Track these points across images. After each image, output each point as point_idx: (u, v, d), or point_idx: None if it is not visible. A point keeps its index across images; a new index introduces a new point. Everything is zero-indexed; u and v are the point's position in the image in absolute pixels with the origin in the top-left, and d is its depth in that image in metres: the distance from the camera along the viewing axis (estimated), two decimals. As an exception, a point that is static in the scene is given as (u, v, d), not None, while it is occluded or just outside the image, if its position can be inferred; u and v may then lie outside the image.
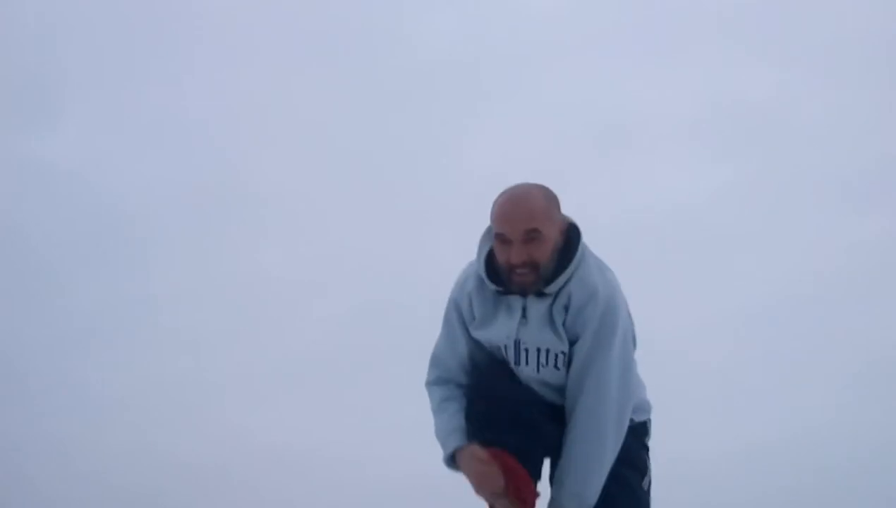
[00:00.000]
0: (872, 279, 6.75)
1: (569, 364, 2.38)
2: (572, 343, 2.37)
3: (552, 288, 2.36)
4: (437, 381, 2.53)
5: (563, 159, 6.84)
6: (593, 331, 2.35)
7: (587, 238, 2.41)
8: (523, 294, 2.38)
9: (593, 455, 2.33)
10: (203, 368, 6.70)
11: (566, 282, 2.37)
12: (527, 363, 2.41)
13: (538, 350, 2.39)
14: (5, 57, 7.20)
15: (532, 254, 2.31)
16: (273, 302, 7.01)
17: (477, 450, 2.35)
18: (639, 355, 2.47)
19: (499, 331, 2.42)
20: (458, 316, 2.50)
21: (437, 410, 2.48)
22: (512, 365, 2.43)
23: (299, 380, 6.63)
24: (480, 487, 2.35)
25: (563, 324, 2.37)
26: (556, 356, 2.39)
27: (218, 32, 7.43)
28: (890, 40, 6.87)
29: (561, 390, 2.41)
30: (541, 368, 2.40)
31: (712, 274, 6.86)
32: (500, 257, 2.35)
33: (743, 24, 7.17)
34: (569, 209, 2.45)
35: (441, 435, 2.45)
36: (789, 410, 6.28)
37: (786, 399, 6.37)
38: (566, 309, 2.36)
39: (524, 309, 2.39)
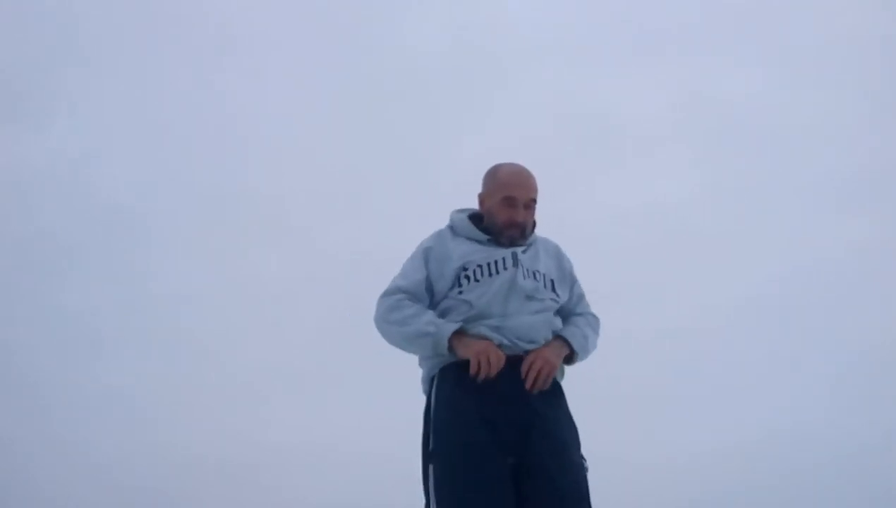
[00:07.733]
0: (852, 279, 6.80)
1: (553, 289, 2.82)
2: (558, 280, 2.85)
3: (529, 242, 2.86)
4: (406, 297, 2.78)
5: (547, 161, 6.85)
6: (571, 269, 2.92)
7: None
8: (510, 245, 2.80)
9: (593, 335, 2.88)
10: (204, 368, 6.76)
11: (535, 240, 2.89)
12: (526, 276, 2.76)
13: (535, 272, 2.79)
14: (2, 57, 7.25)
15: (528, 218, 2.82)
16: (273, 302, 7.06)
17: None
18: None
19: (491, 253, 2.78)
20: (427, 257, 2.84)
21: (417, 313, 2.74)
22: (505, 271, 2.75)
23: (299, 380, 6.69)
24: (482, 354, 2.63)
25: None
26: (549, 280, 2.82)
27: (216, 35, 7.48)
28: (871, 43, 6.91)
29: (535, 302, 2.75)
30: (535, 281, 2.77)
31: (693, 275, 6.90)
32: (503, 215, 2.79)
33: (725, 26, 7.21)
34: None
35: (432, 324, 2.70)
36: (774, 409, 6.33)
37: (770, 397, 6.42)
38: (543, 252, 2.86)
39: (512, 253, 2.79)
